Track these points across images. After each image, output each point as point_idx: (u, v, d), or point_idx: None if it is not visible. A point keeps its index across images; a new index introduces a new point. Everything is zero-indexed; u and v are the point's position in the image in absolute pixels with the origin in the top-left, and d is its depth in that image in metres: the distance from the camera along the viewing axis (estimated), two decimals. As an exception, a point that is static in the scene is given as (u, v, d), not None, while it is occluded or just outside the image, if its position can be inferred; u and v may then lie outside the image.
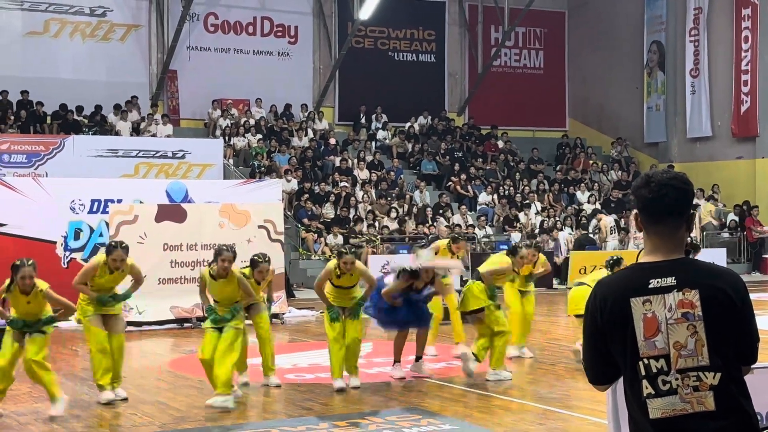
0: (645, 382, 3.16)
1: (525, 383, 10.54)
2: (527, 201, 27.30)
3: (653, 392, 3.15)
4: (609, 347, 3.25)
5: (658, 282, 3.19)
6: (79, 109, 25.62)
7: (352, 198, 25.31)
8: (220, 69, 28.66)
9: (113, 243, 9.98)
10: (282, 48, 29.94)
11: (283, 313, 16.51)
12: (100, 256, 9.82)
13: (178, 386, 10.49)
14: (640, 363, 3.17)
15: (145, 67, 28.09)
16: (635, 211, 3.39)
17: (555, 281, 23.96)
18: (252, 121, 27.81)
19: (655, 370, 3.15)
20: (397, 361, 10.88)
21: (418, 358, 11.07)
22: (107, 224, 16.20)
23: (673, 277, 3.19)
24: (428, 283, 10.80)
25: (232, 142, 26.53)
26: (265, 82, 28.98)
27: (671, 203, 3.25)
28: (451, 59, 32.65)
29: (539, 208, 27.08)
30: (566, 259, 24.24)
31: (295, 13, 29.98)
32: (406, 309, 10.66)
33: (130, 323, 15.14)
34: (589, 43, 33.26)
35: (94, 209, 17.00)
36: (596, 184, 29.43)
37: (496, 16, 31.57)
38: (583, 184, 29.09)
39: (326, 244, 22.99)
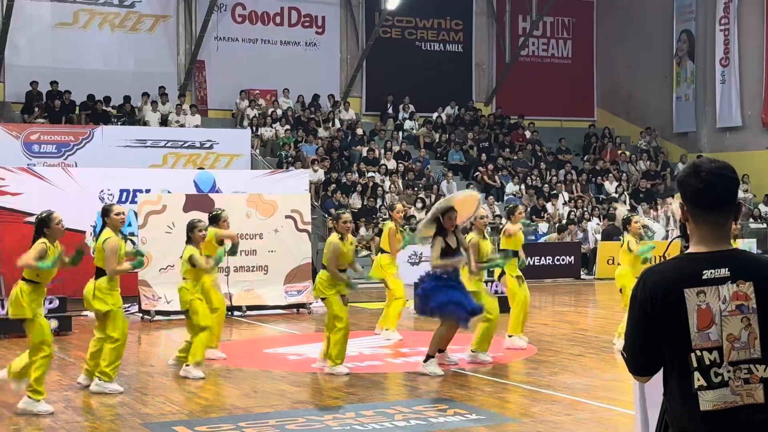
0: (697, 374, 3.13)
1: (552, 374, 10.52)
2: (555, 191, 27.20)
3: (705, 384, 3.12)
4: (657, 337, 3.20)
5: (711, 273, 3.16)
6: (107, 99, 25.76)
7: (379, 188, 25.31)
8: (248, 59, 28.71)
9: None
10: (309, 38, 29.95)
11: (310, 303, 16.57)
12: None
13: (206, 375, 10.54)
14: (692, 355, 3.14)
15: (173, 57, 28.20)
16: (675, 201, 3.35)
17: (583, 271, 23.92)
18: (279, 112, 27.87)
19: (708, 362, 3.12)
20: (435, 354, 10.52)
21: (430, 356, 10.61)
22: (136, 214, 16.29)
23: (727, 269, 3.16)
24: (460, 243, 10.54)
25: (259, 133, 26.59)
26: (293, 73, 29.01)
27: (722, 192, 3.22)
28: (479, 49, 32.53)
29: (566, 199, 26.97)
30: (594, 250, 24.18)
31: (322, 4, 29.97)
32: (467, 296, 10.37)
33: (158, 312, 15.31)
34: (617, 32, 33.03)
35: (123, 199, 17.12)
36: (624, 175, 29.25)
37: (523, 5, 31.43)
38: (611, 175, 28.94)
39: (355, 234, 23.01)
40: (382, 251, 13.29)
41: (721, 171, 3.23)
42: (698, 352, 3.14)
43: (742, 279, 3.16)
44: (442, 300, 10.22)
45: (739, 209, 3.44)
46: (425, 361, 10.36)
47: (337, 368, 10.32)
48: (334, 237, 10.52)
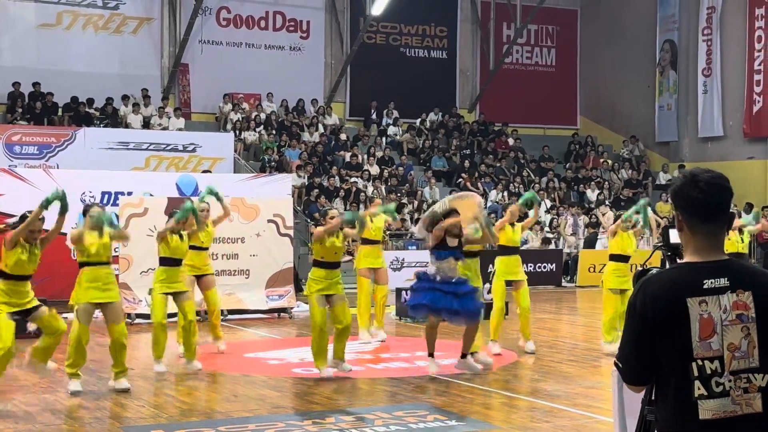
0: (698, 383, 3.12)
1: (532, 381, 10.54)
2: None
3: (706, 393, 3.12)
4: (655, 345, 3.18)
5: (712, 282, 3.16)
6: (90, 101, 25.67)
7: (362, 193, 25.31)
8: (232, 63, 28.66)
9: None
10: (294, 43, 29.95)
11: (292, 308, 16.54)
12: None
13: (184, 379, 10.51)
14: (693, 364, 3.13)
15: (157, 60, 28.13)
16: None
17: (564, 279, 23.98)
18: (263, 116, 27.84)
19: (709, 372, 3.12)
20: (431, 354, 10.67)
21: (464, 356, 10.70)
22: (117, 216, 16.19)
23: (726, 278, 3.17)
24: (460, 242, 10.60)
25: (242, 137, 26.56)
26: (277, 77, 28.99)
27: (720, 203, 3.23)
28: (463, 56, 32.62)
29: (549, 206, 27.05)
30: (575, 257, 24.25)
31: (307, 8, 29.98)
32: (452, 298, 10.38)
33: (139, 315, 15.24)
34: (601, 41, 33.17)
35: (105, 201, 17.05)
36: (606, 183, 29.37)
37: (508, 13, 31.53)
38: (593, 183, 29.04)
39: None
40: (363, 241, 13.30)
41: (719, 181, 3.24)
42: (699, 362, 3.13)
43: (741, 288, 3.17)
44: (415, 302, 10.58)
45: (732, 219, 3.45)
46: (462, 357, 10.64)
47: (322, 369, 10.37)
48: (319, 230, 10.56)
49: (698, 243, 3.24)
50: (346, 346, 10.65)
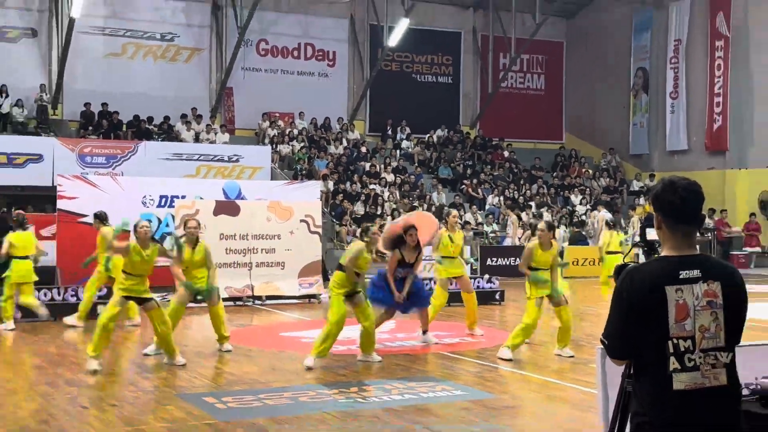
0: (673, 359, 3.12)
1: (527, 358, 10.49)
2: (529, 202, 27.18)
3: (679, 368, 3.12)
4: (638, 326, 3.17)
5: (686, 273, 3.16)
6: (150, 119, 25.76)
7: (380, 198, 25.30)
8: (269, 87, 28.72)
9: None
10: (322, 70, 29.97)
11: (320, 294, 16.54)
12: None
13: (231, 355, 10.52)
14: (669, 342, 3.13)
15: (205, 84, 28.20)
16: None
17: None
18: (295, 131, 27.86)
19: (682, 349, 3.13)
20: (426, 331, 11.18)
21: (425, 332, 11.21)
22: (173, 216, 16.29)
23: (698, 270, 3.17)
24: (417, 259, 10.59)
25: (278, 149, 26.58)
26: (307, 99, 29.02)
27: (696, 206, 3.23)
28: (466, 81, 32.56)
29: (536, 210, 26.95)
30: (561, 253, 24.15)
31: (333, 40, 30.00)
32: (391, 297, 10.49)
33: (193, 301, 15.23)
34: (583, 68, 33.09)
35: (162, 204, 17.11)
36: (588, 189, 29.27)
37: (504, 45, 31.47)
38: (576, 189, 28.95)
39: (356, 236, 22.98)
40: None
41: (695, 188, 3.24)
42: (675, 340, 3.13)
43: (711, 279, 3.17)
44: (371, 296, 10.37)
45: (703, 221, 3.45)
46: (423, 333, 10.97)
47: (307, 359, 9.57)
48: (360, 244, 9.78)
49: (675, 240, 3.23)
50: (373, 343, 9.97)
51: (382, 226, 11.63)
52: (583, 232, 25.47)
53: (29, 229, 13.20)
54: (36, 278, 12.82)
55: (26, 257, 12.65)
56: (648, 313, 3.15)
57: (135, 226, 9.62)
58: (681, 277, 3.15)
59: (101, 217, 13.06)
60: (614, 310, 3.25)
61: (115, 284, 9.98)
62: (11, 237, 12.74)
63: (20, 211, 14.08)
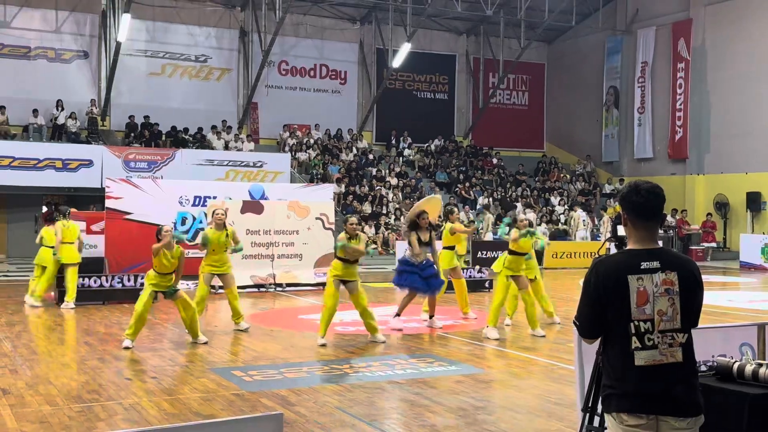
0: (634, 338, 3.13)
1: (512, 339, 10.49)
2: (514, 203, 27.14)
3: (640, 346, 3.13)
4: (605, 311, 3.18)
5: (647, 264, 3.16)
6: (186, 129, 25.78)
7: (385, 198, 25.29)
8: (289, 102, 28.74)
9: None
10: (334, 87, 29.97)
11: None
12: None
13: (255, 334, 10.53)
14: (631, 324, 3.14)
15: (234, 99, 28.22)
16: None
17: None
18: (312, 141, 27.86)
19: (643, 330, 3.13)
20: (398, 315, 10.86)
21: (431, 317, 11.09)
22: (205, 214, 16.28)
23: (658, 261, 3.17)
24: (431, 237, 10.58)
25: (297, 156, 26.59)
26: (322, 112, 29.03)
27: (656, 206, 3.23)
28: (459, 97, 32.53)
29: (522, 209, 26.90)
30: (543, 248, 24.08)
31: (344, 62, 29.99)
32: (420, 280, 10.51)
33: (221, 287, 15.24)
34: (562, 86, 33.03)
35: (196, 203, 17.12)
36: (566, 192, 29.22)
37: (493, 66, 31.45)
38: (556, 192, 28.89)
39: (363, 232, 22.98)
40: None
41: (655, 190, 3.24)
42: (636, 322, 3.14)
43: (669, 269, 3.17)
44: (397, 283, 10.57)
45: (664, 218, 3.45)
46: (395, 316, 10.78)
47: (319, 339, 9.57)
48: (341, 235, 9.77)
49: (639, 235, 3.24)
50: (375, 323, 9.81)
51: (360, 221, 11.54)
52: (561, 229, 25.42)
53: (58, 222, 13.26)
54: (49, 265, 12.93)
55: (52, 246, 12.95)
56: (612, 299, 3.16)
57: (159, 230, 9.51)
58: (642, 267, 3.15)
59: (63, 213, 13.30)
60: (584, 296, 3.27)
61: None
62: (53, 228, 13.05)
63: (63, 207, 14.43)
